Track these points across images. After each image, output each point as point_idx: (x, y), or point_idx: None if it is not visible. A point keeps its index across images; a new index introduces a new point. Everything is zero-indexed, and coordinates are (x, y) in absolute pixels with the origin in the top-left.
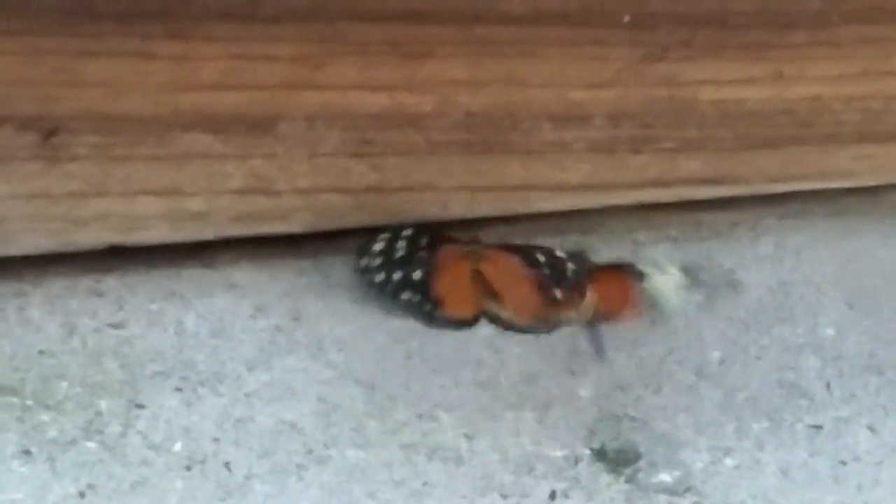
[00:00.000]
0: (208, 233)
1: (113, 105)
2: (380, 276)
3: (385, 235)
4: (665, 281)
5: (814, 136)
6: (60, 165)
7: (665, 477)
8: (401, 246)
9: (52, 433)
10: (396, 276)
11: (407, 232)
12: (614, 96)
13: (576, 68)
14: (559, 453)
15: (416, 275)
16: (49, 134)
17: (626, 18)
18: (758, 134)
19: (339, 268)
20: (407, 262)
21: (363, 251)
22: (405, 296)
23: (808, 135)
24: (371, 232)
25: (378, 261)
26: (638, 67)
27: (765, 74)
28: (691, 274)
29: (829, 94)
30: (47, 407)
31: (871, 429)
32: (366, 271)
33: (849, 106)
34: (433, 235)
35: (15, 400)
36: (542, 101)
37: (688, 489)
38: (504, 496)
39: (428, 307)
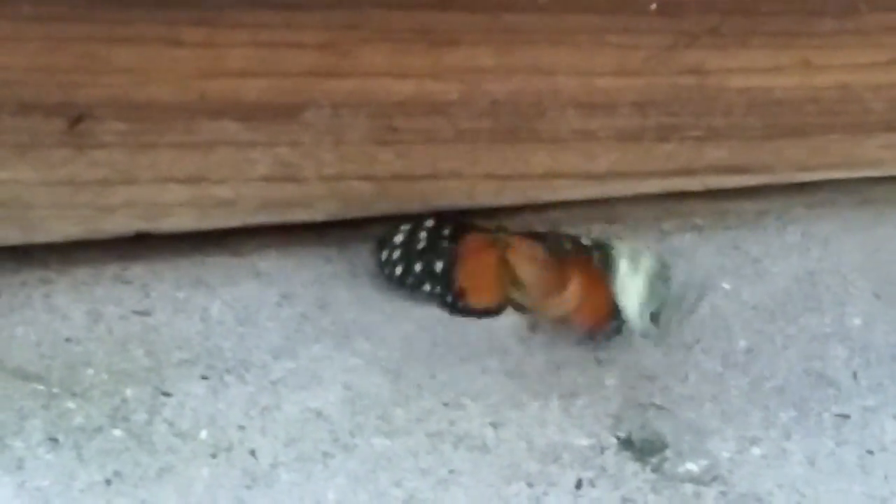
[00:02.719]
0: (234, 220)
1: (140, 92)
2: (400, 268)
3: (406, 227)
4: (631, 283)
5: (841, 124)
6: (87, 152)
7: (691, 466)
8: (422, 237)
9: (79, 420)
10: (417, 267)
11: (429, 223)
12: (641, 84)
13: (603, 56)
14: (585, 442)
15: (438, 266)
16: (76, 121)
17: (654, 6)
18: (785, 122)
19: (365, 256)
20: (428, 254)
21: (384, 243)
22: (426, 287)
23: (836, 123)
24: (393, 222)
25: (398, 253)
26: (665, 55)
27: (792, 63)
28: (663, 275)
29: (857, 83)
30: (73, 394)
31: None
32: (386, 264)
33: (876, 94)
34: (456, 225)
35: (41, 387)
36: (569, 89)
37: (714, 478)
38: (530, 484)
39: (450, 298)
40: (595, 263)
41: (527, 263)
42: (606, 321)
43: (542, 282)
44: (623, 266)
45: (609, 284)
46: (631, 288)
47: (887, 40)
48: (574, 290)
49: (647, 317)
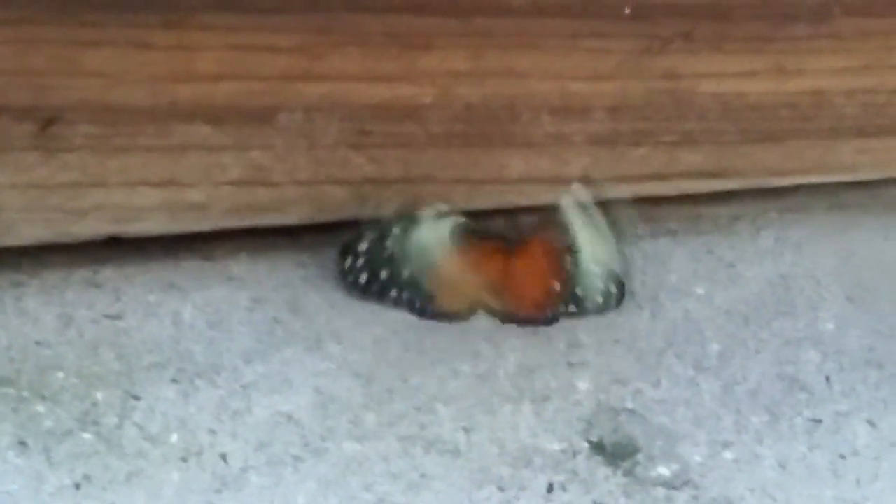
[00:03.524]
0: (206, 224)
1: (111, 95)
2: (364, 276)
3: (371, 235)
4: (590, 270)
5: (815, 129)
6: (58, 155)
7: (663, 470)
8: (389, 244)
9: (48, 424)
10: (383, 274)
11: (396, 230)
12: (615, 89)
13: (576, 60)
14: (557, 446)
15: (405, 272)
16: (46, 124)
17: (627, 11)
18: (759, 127)
19: (337, 260)
20: (395, 260)
21: (347, 251)
22: (392, 294)
23: (810, 128)
24: (360, 228)
25: (362, 260)
26: (638, 60)
27: (766, 67)
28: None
29: (831, 88)
30: (43, 398)
31: (871, 423)
32: (349, 272)
33: (850, 99)
34: None
35: (11, 391)
36: (543, 93)
37: (686, 482)
38: (501, 489)
39: (418, 303)
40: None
41: (492, 264)
42: (544, 307)
43: (503, 277)
44: (577, 221)
45: (553, 267)
46: (588, 245)
47: (861, 45)
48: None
49: (607, 281)
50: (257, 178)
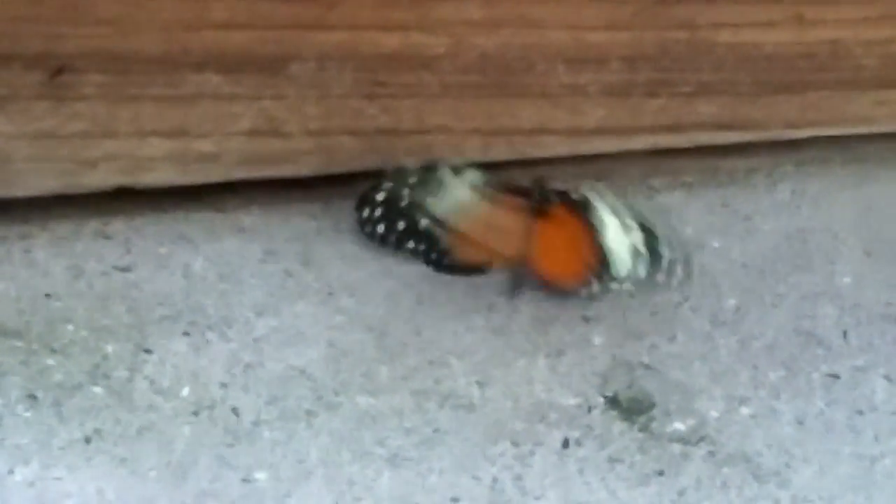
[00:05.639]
0: (217, 175)
1: (121, 43)
2: (382, 226)
3: (388, 184)
4: (620, 239)
5: (833, 80)
6: (67, 104)
7: (679, 425)
8: (405, 193)
9: (58, 377)
10: (401, 225)
11: (412, 179)
12: (631, 39)
13: (592, 10)
14: (572, 401)
15: (422, 223)
16: (56, 72)
17: None
18: (776, 78)
19: (350, 212)
20: (412, 210)
21: (365, 201)
22: (410, 244)
23: (828, 80)
24: (376, 178)
25: (380, 210)
26: (655, 9)
27: (784, 17)
28: (649, 237)
29: (850, 39)
30: (53, 351)
31: (888, 378)
32: (367, 222)
33: (868, 50)
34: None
35: (20, 343)
36: (558, 43)
37: (702, 438)
38: (516, 444)
39: (435, 255)
40: (576, 215)
41: (511, 218)
42: (582, 279)
43: (523, 233)
44: (611, 222)
45: (592, 239)
46: (621, 244)
47: None
48: (539, 239)
49: (638, 272)
50: (269, 128)
